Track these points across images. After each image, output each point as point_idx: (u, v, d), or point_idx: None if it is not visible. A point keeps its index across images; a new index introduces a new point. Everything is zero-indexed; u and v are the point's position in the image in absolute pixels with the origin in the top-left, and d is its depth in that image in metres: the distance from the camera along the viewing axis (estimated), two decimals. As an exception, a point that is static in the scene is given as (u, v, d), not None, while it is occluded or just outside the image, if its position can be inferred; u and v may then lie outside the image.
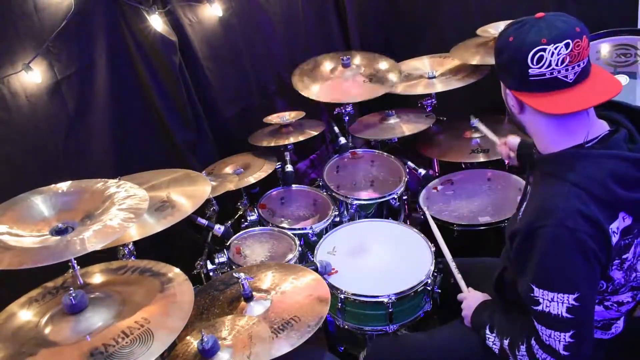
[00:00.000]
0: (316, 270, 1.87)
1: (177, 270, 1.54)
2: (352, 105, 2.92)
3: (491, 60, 2.53)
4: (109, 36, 2.27)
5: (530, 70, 1.22)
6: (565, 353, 1.26)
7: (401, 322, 1.96)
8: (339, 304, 1.94)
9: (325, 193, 2.63)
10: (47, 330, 1.34)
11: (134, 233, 1.70)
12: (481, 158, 2.60)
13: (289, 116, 2.75)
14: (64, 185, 1.57)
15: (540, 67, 1.21)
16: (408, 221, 2.73)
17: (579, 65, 1.22)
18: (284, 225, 2.51)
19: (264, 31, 2.96)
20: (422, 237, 2.15)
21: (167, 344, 1.27)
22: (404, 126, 2.79)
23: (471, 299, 1.68)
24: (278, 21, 3.02)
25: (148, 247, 1.97)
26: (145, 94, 2.46)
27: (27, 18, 2.00)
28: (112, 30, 2.28)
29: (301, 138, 2.65)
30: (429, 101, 2.91)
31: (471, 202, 2.49)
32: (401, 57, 3.17)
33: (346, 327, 2.01)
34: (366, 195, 2.73)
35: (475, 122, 2.52)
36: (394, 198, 2.52)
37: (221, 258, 2.16)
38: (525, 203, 1.43)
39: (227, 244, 2.23)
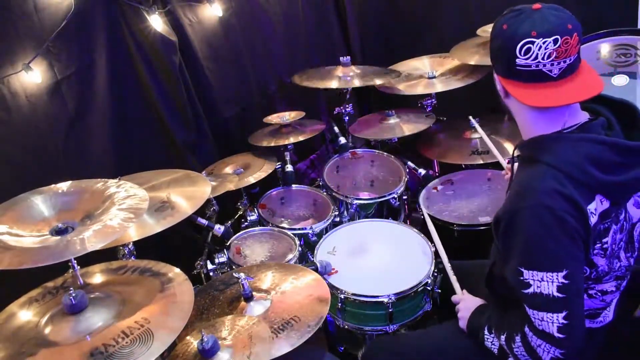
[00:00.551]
0: (316, 270, 1.87)
1: (177, 270, 1.54)
2: (352, 105, 2.92)
3: (491, 61, 2.53)
4: (109, 36, 2.27)
5: (517, 60, 1.26)
6: (560, 335, 1.26)
7: (401, 322, 1.96)
8: (339, 304, 1.95)
9: (325, 193, 2.63)
10: (47, 330, 1.34)
11: (134, 233, 1.70)
12: (480, 160, 2.60)
13: (289, 116, 2.75)
14: (64, 185, 1.57)
15: (527, 59, 1.25)
16: (408, 221, 2.73)
17: (564, 62, 1.25)
18: (284, 225, 2.51)
19: (264, 31, 2.96)
20: (422, 237, 2.15)
21: (167, 344, 1.27)
22: (404, 126, 2.79)
23: (469, 301, 1.67)
24: (278, 21, 3.02)
25: (148, 247, 1.97)
26: (145, 94, 2.46)
27: (27, 18, 2.00)
28: (112, 30, 2.28)
29: (301, 138, 2.65)
30: (429, 101, 2.91)
31: (471, 202, 2.49)
32: (401, 57, 3.17)
33: (346, 327, 2.01)
34: (366, 195, 2.73)
35: (474, 122, 2.52)
36: (394, 198, 2.53)
37: (221, 258, 2.16)
38: (508, 192, 1.44)
39: (227, 244, 2.23)
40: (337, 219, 2.52)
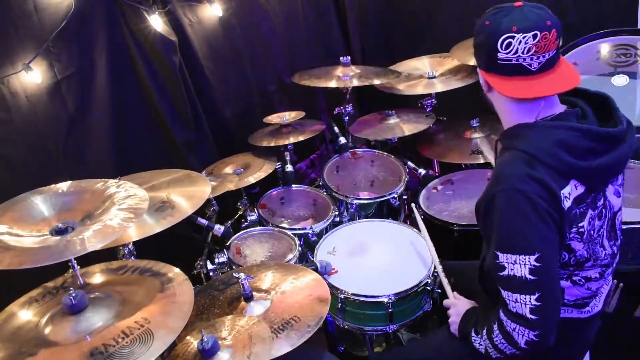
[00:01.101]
0: (316, 270, 1.87)
1: (177, 270, 1.54)
2: (352, 105, 2.92)
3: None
4: (109, 36, 2.27)
5: (498, 54, 1.32)
6: (532, 317, 1.29)
7: (401, 322, 1.96)
8: (339, 304, 1.95)
9: (325, 193, 2.63)
10: (47, 330, 1.34)
11: (134, 233, 1.70)
12: (481, 159, 2.60)
13: (289, 116, 2.75)
14: (64, 185, 1.57)
15: (507, 53, 1.31)
16: (408, 221, 2.73)
17: (544, 56, 1.31)
18: (284, 225, 2.51)
19: (264, 31, 2.96)
20: (423, 237, 2.15)
21: (167, 344, 1.27)
22: (404, 126, 2.79)
23: (460, 305, 1.67)
24: (278, 21, 3.02)
25: (148, 247, 1.97)
26: (145, 94, 2.46)
27: (27, 18, 2.00)
28: (112, 30, 2.28)
29: (301, 138, 2.65)
30: (429, 101, 2.91)
31: (471, 202, 2.47)
32: (401, 57, 3.17)
33: (346, 327, 2.01)
34: (366, 195, 2.73)
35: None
36: (394, 198, 2.53)
37: (221, 258, 2.16)
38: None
39: (227, 244, 2.23)
40: (337, 219, 2.52)
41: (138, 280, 1.51)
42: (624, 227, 1.94)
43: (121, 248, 1.86)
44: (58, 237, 1.37)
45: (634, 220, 1.98)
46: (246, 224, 2.52)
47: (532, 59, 1.30)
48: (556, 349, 1.45)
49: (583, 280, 1.42)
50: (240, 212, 2.63)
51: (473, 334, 1.50)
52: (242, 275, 1.65)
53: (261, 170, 2.54)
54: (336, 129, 2.90)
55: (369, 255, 2.15)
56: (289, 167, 2.64)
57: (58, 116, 2.16)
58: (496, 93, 1.39)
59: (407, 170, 2.68)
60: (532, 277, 1.26)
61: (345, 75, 2.77)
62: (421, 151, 2.84)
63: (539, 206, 1.25)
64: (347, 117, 2.90)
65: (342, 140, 2.81)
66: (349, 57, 2.88)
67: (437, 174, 2.82)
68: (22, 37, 2.00)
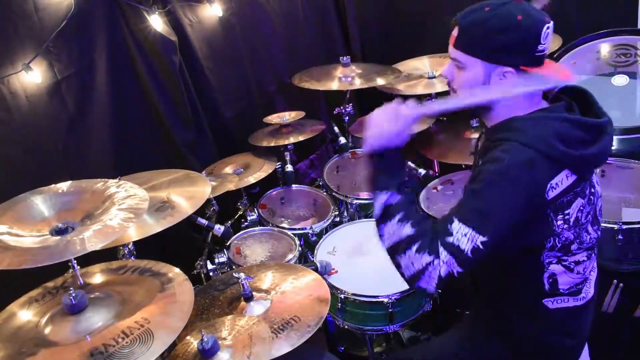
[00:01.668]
0: (316, 270, 1.87)
1: (177, 270, 1.54)
2: (352, 105, 2.92)
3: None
4: (109, 36, 2.27)
5: (538, 46, 1.32)
6: (444, 278, 1.26)
7: (401, 322, 1.96)
8: (339, 304, 1.95)
9: (325, 193, 2.63)
10: (47, 330, 1.34)
11: (134, 233, 1.70)
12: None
13: (289, 116, 2.75)
14: (64, 185, 1.57)
15: (544, 44, 1.33)
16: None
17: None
18: (284, 225, 2.51)
19: (264, 31, 2.96)
20: None
21: (167, 344, 1.27)
22: (404, 126, 2.78)
23: (381, 116, 1.45)
24: (278, 21, 3.02)
25: (148, 247, 1.97)
26: (145, 94, 2.46)
27: (27, 18, 2.00)
28: (112, 30, 2.28)
29: (301, 138, 2.65)
30: (429, 101, 2.91)
31: (471, 202, 2.48)
32: (401, 57, 3.17)
33: (346, 327, 2.01)
34: (366, 195, 2.73)
35: None
36: (394, 198, 2.52)
37: (221, 258, 2.16)
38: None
39: (227, 244, 2.23)
40: (337, 219, 2.52)
41: (138, 280, 1.51)
42: (624, 227, 1.95)
43: (121, 248, 1.86)
44: (58, 237, 1.37)
45: (634, 220, 1.97)
46: (246, 224, 2.52)
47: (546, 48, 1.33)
48: (557, 341, 1.46)
49: (573, 264, 1.42)
50: (240, 212, 2.63)
51: (396, 219, 1.34)
52: (242, 275, 1.65)
53: (261, 170, 2.54)
54: (336, 129, 2.90)
55: (369, 255, 2.15)
56: (289, 167, 2.64)
57: (58, 116, 2.16)
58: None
59: (407, 170, 2.68)
60: (470, 256, 1.24)
61: (346, 77, 2.77)
62: (421, 151, 2.83)
63: (519, 193, 1.26)
64: (347, 117, 2.90)
65: (342, 140, 2.81)
66: (349, 57, 2.88)
67: (437, 174, 2.82)
68: (22, 37, 2.00)
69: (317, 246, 2.20)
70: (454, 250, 1.26)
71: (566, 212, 1.35)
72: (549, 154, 1.28)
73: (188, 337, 1.50)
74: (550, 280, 1.40)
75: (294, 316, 1.55)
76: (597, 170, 1.46)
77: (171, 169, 2.13)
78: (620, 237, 1.95)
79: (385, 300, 1.88)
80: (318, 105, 3.33)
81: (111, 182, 1.59)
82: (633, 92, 2.54)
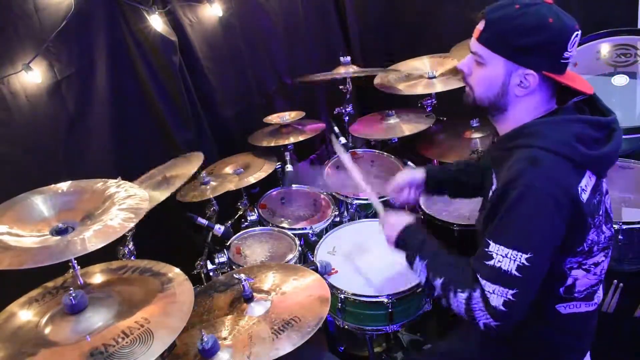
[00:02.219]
0: (316, 270, 1.87)
1: (177, 270, 1.54)
2: (352, 105, 2.92)
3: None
4: (109, 36, 2.27)
5: (565, 53, 1.28)
6: (503, 309, 1.27)
7: (401, 322, 1.96)
8: (339, 304, 1.94)
9: (325, 193, 2.63)
10: (47, 330, 1.34)
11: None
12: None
13: (289, 116, 2.75)
14: (64, 185, 1.57)
15: (571, 51, 1.28)
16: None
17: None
18: (284, 225, 2.51)
19: (264, 31, 2.96)
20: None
21: (167, 344, 1.27)
22: (404, 126, 2.79)
23: (391, 226, 1.59)
24: (278, 21, 3.02)
25: (148, 247, 1.97)
26: (145, 94, 2.46)
27: (27, 18, 2.00)
28: (112, 30, 2.28)
29: (301, 138, 2.65)
30: (429, 101, 2.91)
31: (471, 202, 2.46)
32: (401, 57, 3.17)
33: (346, 327, 2.01)
34: (366, 195, 2.73)
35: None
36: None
37: (221, 258, 2.16)
38: (491, 191, 1.44)
39: (227, 244, 2.23)
40: (337, 219, 2.52)
41: (138, 280, 1.51)
42: (624, 227, 1.95)
43: (121, 248, 1.86)
44: (58, 237, 1.37)
45: (634, 220, 1.97)
46: (246, 224, 2.52)
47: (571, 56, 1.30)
48: (566, 343, 1.46)
49: (592, 267, 1.41)
50: (240, 212, 2.63)
51: (418, 260, 1.46)
52: (242, 276, 1.65)
53: (261, 170, 2.54)
54: (336, 129, 2.90)
55: (369, 256, 2.15)
56: (289, 167, 2.64)
57: (58, 116, 2.16)
58: (522, 90, 1.33)
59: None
60: (517, 274, 1.25)
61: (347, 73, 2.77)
62: (421, 151, 2.83)
63: (553, 209, 1.23)
64: (347, 117, 2.90)
65: (342, 140, 2.81)
66: (349, 57, 2.88)
67: (437, 174, 2.81)
68: (22, 37, 2.00)
69: (317, 246, 2.19)
70: (495, 274, 1.26)
71: (600, 214, 1.34)
72: (572, 157, 1.25)
73: (188, 337, 1.50)
74: (569, 284, 1.38)
75: (294, 316, 1.55)
76: None
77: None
78: (620, 237, 1.95)
79: (385, 300, 1.88)
80: (318, 105, 3.33)
81: (111, 182, 1.59)
82: (633, 92, 2.53)
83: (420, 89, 2.83)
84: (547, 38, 1.27)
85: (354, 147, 2.87)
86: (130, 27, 2.33)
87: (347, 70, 2.81)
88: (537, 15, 1.26)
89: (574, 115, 1.33)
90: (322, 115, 3.28)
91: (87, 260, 1.52)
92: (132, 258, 1.88)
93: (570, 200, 1.25)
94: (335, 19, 3.45)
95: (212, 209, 2.34)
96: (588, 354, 1.66)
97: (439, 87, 2.78)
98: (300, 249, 2.20)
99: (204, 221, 2.17)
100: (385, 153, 2.80)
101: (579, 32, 1.28)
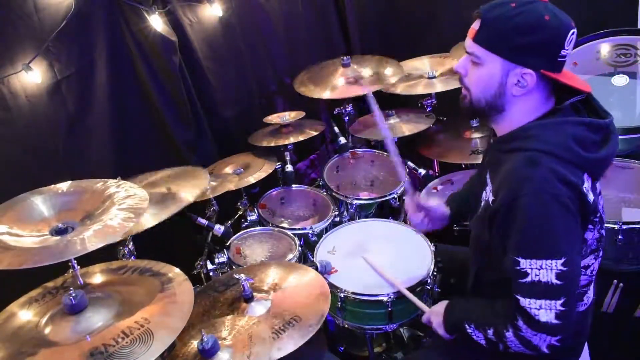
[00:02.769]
0: (316, 269, 1.87)
1: (177, 270, 1.54)
2: (352, 105, 2.92)
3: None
4: (109, 36, 2.27)
5: (562, 51, 1.27)
6: (557, 322, 1.26)
7: (401, 321, 1.96)
8: (339, 303, 1.94)
9: (325, 193, 2.64)
10: (47, 330, 1.34)
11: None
12: (480, 160, 2.60)
13: (289, 116, 2.75)
14: (64, 185, 1.57)
15: (567, 49, 1.28)
16: (408, 221, 2.72)
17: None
18: (284, 225, 2.51)
19: (264, 31, 2.96)
20: (422, 237, 2.15)
21: (167, 344, 1.27)
22: (404, 126, 2.79)
23: (436, 313, 1.64)
24: (278, 21, 3.02)
25: (148, 247, 1.97)
26: (145, 94, 2.46)
27: (27, 18, 2.00)
28: (112, 30, 2.28)
29: (301, 138, 2.65)
30: (429, 101, 2.91)
31: (471, 202, 2.48)
32: (401, 57, 3.17)
33: (346, 326, 2.01)
34: (366, 195, 2.73)
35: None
36: (394, 198, 2.52)
37: (221, 258, 2.16)
38: (485, 192, 1.43)
39: (227, 244, 2.23)
40: (337, 219, 2.52)
41: (138, 280, 1.51)
42: (624, 227, 1.95)
43: (121, 248, 1.86)
44: (58, 237, 1.37)
45: (633, 220, 1.97)
46: (246, 224, 2.52)
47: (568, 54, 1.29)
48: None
49: (584, 270, 1.41)
50: (240, 212, 2.63)
51: (466, 325, 1.47)
52: (242, 276, 1.65)
53: (261, 170, 2.54)
54: (336, 129, 2.90)
55: (369, 255, 2.15)
56: (289, 167, 2.64)
57: (58, 116, 2.16)
58: (519, 90, 1.31)
59: (407, 170, 2.68)
60: (559, 282, 1.23)
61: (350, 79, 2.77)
62: (421, 151, 2.83)
63: (567, 207, 1.22)
64: (347, 117, 2.90)
65: (342, 140, 2.82)
66: (349, 57, 2.88)
67: (437, 174, 2.82)
68: (22, 37, 2.00)
69: (317, 246, 2.19)
70: (536, 289, 1.25)
71: (599, 215, 1.34)
72: (572, 160, 1.25)
73: (188, 337, 1.50)
74: None
75: (294, 316, 1.55)
76: None
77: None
78: (620, 237, 1.95)
79: (385, 299, 1.88)
80: (318, 105, 3.33)
81: (111, 182, 1.60)
82: (633, 92, 2.53)
83: (420, 89, 2.84)
84: (544, 36, 1.26)
85: (354, 147, 2.87)
86: (130, 27, 2.33)
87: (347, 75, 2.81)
88: (534, 14, 1.26)
89: (571, 117, 1.32)
90: (322, 115, 3.28)
91: (87, 260, 1.52)
92: (132, 258, 1.88)
93: (579, 197, 1.25)
94: (335, 19, 3.44)
95: (212, 209, 2.34)
96: (588, 355, 1.66)
97: (439, 87, 2.78)
98: (300, 249, 2.20)
99: (204, 221, 2.17)
100: (385, 153, 2.81)
101: (575, 30, 1.27)
